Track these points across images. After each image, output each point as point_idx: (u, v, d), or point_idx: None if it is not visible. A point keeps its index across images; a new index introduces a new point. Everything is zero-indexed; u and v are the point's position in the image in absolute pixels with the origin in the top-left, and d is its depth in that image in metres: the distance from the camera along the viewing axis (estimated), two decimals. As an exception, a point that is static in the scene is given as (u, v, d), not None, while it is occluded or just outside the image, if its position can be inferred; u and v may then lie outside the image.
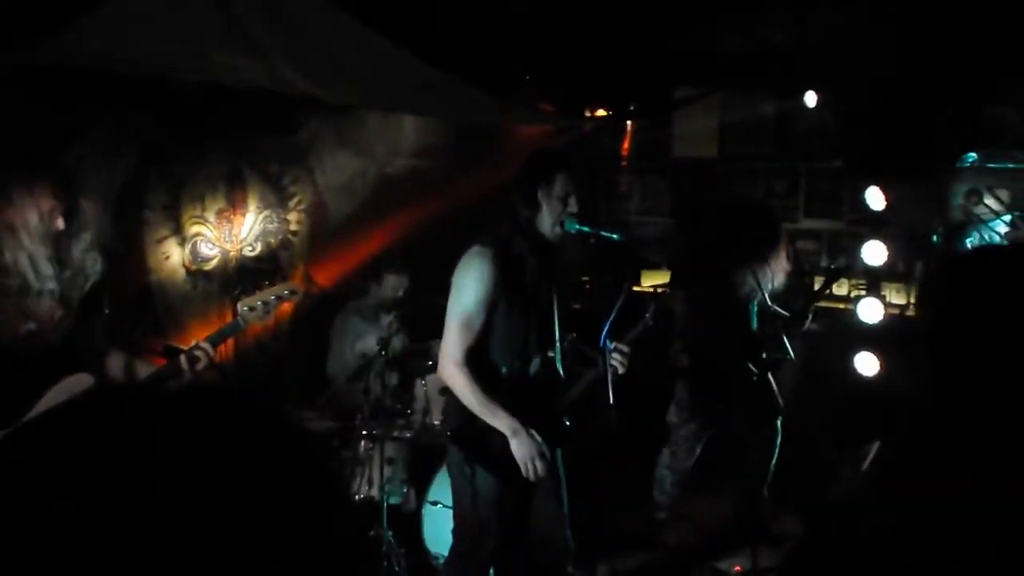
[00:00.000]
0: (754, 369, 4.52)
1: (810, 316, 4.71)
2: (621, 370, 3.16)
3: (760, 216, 4.91)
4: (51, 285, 2.77)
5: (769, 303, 4.57)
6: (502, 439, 3.05)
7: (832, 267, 6.63)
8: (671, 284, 5.35)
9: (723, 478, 4.97)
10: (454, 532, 3.30)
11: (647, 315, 3.38)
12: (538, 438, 3.06)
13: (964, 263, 1.53)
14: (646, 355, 3.24)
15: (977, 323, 1.26)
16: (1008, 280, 1.27)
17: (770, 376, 4.67)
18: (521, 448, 3.04)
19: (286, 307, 5.61)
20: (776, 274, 4.61)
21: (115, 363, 3.02)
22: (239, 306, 3.04)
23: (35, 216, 2.68)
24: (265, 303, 3.04)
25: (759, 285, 4.52)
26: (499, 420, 3.04)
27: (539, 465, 3.06)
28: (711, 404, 4.76)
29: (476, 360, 3.09)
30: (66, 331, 2.82)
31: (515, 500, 3.19)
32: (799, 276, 6.61)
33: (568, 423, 3.23)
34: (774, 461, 4.75)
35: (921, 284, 5.44)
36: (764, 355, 4.59)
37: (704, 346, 4.66)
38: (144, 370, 3.04)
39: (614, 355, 3.13)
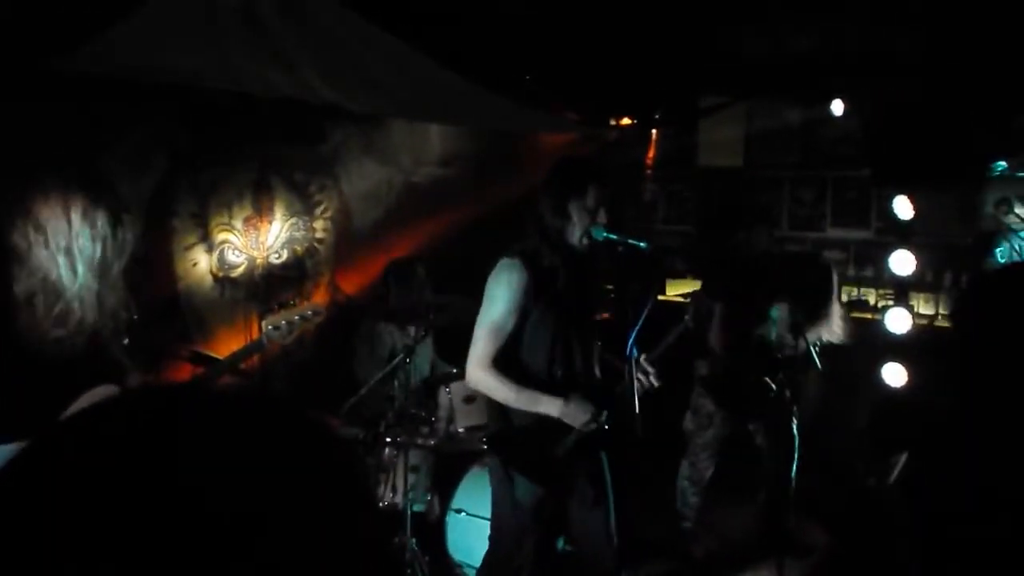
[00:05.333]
0: (771, 383, 4.52)
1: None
2: (647, 385, 3.13)
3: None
4: (78, 291, 2.82)
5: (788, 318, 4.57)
6: (540, 445, 3.04)
7: None
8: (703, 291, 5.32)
9: (745, 488, 4.93)
10: (490, 538, 3.30)
11: (686, 317, 3.35)
12: (587, 401, 3.06)
13: (996, 278, 1.52)
14: (676, 364, 3.21)
15: (1008, 336, 1.24)
16: None
17: (786, 390, 4.66)
18: (575, 416, 3.04)
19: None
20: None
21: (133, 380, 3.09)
22: (263, 324, 3.09)
23: (64, 222, 2.73)
24: (289, 323, 3.09)
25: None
26: (542, 404, 3.05)
27: (600, 420, 3.06)
28: (727, 412, 4.74)
29: (514, 370, 3.10)
30: (90, 339, 2.86)
31: (553, 507, 3.18)
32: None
33: (608, 428, 3.21)
34: (794, 471, 4.71)
35: (955, 299, 5.40)
36: (783, 369, 4.58)
37: (725, 356, 4.64)
38: None
39: (639, 373, 3.11)
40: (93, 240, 2.83)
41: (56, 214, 2.74)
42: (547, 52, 5.33)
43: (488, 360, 3.07)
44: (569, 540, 3.37)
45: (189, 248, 5.07)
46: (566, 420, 3.04)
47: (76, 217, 2.76)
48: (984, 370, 1.27)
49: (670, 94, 6.88)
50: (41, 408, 2.73)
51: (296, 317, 3.12)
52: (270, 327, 3.09)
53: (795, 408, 4.69)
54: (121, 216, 2.92)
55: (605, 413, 3.08)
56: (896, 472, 4.99)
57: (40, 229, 2.71)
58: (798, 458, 4.70)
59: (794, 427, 4.70)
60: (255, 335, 5.24)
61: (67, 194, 2.77)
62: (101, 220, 2.83)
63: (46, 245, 2.72)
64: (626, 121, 7.20)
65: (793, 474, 4.70)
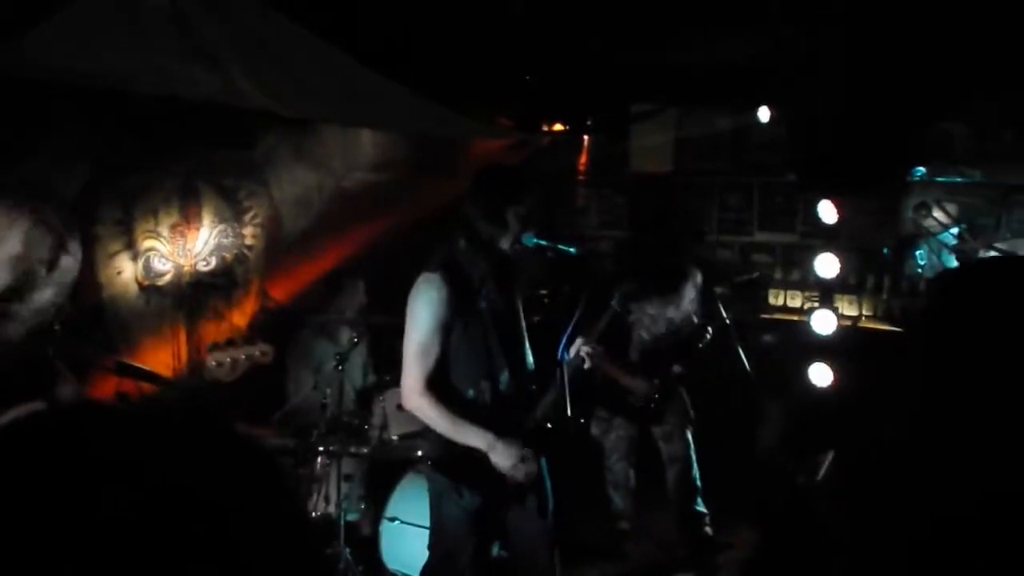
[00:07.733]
0: (657, 382, 4.62)
1: (707, 333, 4.76)
2: (593, 362, 3.15)
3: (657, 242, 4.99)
4: (19, 307, 2.74)
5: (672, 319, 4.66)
6: (482, 458, 3.03)
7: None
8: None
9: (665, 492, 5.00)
10: (430, 547, 3.27)
11: (613, 301, 3.39)
12: (517, 444, 3.04)
13: (957, 276, 1.55)
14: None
15: (968, 336, 1.27)
16: (1000, 292, 1.28)
17: (682, 391, 4.75)
18: (501, 459, 3.01)
19: (241, 322, 5.56)
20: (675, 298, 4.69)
21: (65, 393, 2.98)
22: (208, 359, 2.88)
23: (18, 239, 2.65)
24: (235, 360, 2.87)
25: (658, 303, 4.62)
26: (473, 438, 3.01)
27: (524, 468, 3.05)
28: (621, 416, 4.79)
29: (441, 386, 3.06)
30: (20, 355, 2.77)
31: (494, 514, 3.17)
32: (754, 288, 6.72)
33: (550, 427, 3.20)
34: (695, 474, 4.77)
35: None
36: (669, 370, 4.68)
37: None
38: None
39: (583, 350, 3.13)
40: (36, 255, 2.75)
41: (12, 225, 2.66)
42: (479, 57, 5.34)
43: (422, 384, 3.01)
44: (504, 546, 3.36)
45: (113, 256, 4.94)
46: (492, 458, 3.01)
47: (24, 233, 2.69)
48: (956, 368, 1.28)
49: (602, 100, 6.95)
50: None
51: (243, 356, 2.89)
52: (214, 363, 2.86)
53: (690, 411, 4.79)
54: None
55: (531, 459, 3.07)
56: (823, 470, 5.09)
57: None
58: (696, 463, 4.77)
59: (688, 433, 4.78)
60: (182, 347, 5.18)
61: (31, 209, 2.69)
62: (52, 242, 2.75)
63: None
64: (558, 127, 7.26)
65: (695, 480, 4.76)
